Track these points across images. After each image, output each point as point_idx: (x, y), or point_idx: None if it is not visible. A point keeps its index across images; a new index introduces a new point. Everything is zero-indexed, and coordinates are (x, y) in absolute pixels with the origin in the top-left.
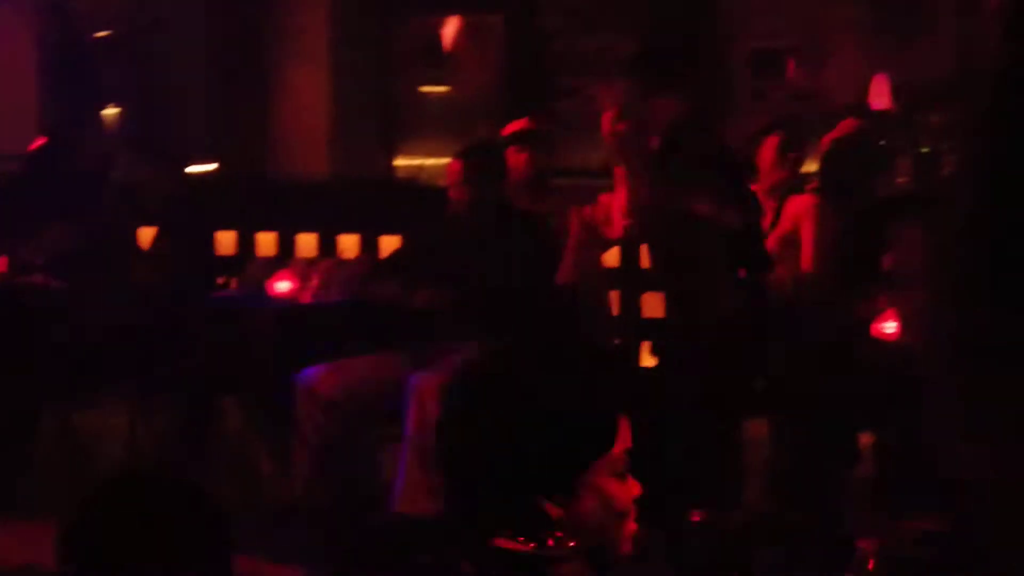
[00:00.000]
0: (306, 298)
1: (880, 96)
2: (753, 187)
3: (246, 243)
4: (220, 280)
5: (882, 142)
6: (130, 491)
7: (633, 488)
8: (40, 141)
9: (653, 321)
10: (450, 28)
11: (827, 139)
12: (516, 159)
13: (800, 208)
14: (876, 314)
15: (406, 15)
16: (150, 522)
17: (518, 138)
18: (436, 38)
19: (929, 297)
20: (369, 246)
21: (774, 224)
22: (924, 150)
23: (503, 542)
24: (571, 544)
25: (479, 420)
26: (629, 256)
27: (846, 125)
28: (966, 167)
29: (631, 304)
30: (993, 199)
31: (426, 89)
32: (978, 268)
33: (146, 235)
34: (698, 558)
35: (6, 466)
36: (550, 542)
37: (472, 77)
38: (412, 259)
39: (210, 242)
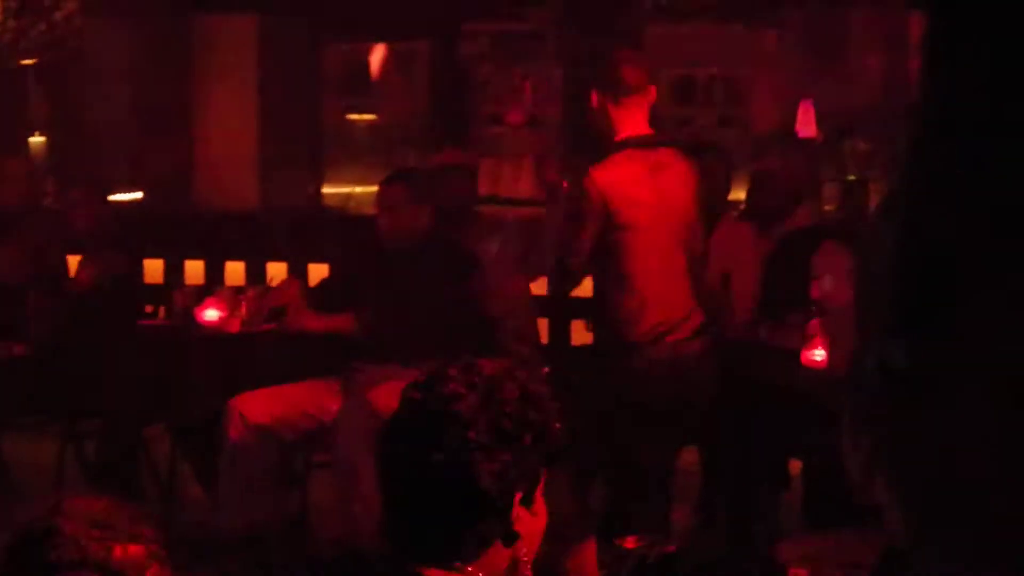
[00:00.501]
0: (234, 326)
1: (806, 124)
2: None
3: (174, 271)
4: (148, 308)
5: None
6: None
7: (545, 510)
8: None
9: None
10: (376, 56)
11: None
12: (443, 188)
13: (728, 235)
14: (805, 341)
15: (333, 42)
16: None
17: (445, 168)
18: (363, 65)
19: (855, 327)
20: (297, 273)
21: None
22: (850, 177)
23: (437, 572)
24: (526, 560)
25: (438, 440)
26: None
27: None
28: (891, 198)
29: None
30: (914, 231)
31: (353, 117)
32: (898, 300)
33: (73, 263)
34: None
35: None
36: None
37: (398, 104)
38: (341, 287)
39: (138, 270)
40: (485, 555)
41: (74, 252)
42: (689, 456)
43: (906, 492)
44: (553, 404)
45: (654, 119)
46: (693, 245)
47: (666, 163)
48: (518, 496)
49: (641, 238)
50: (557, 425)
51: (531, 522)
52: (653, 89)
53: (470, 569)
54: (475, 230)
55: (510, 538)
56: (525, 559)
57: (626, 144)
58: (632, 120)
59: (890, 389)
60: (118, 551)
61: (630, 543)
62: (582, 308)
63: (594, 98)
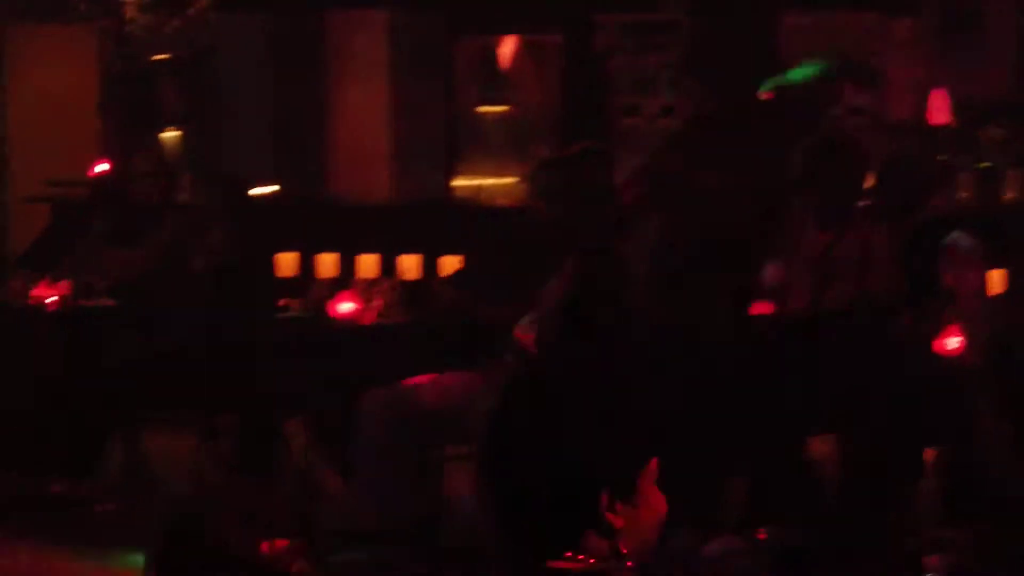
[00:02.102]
0: (369, 318)
1: (939, 111)
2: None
3: (308, 265)
4: (282, 302)
5: (942, 157)
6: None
7: (663, 499)
8: (101, 165)
9: None
10: (508, 48)
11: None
12: (582, 173)
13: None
14: (938, 330)
15: (464, 36)
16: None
17: (584, 152)
18: (494, 58)
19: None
20: (429, 266)
21: (837, 239)
22: (984, 165)
23: (557, 563)
24: (627, 558)
25: (534, 434)
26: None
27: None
28: None
29: None
30: None
31: (484, 109)
32: None
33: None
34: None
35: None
36: (613, 553)
37: (530, 97)
38: (484, 274)
39: (272, 264)
40: (585, 546)
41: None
42: (826, 445)
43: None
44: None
45: None
46: None
47: None
48: (607, 489)
49: None
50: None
51: (631, 514)
52: None
53: (579, 557)
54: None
55: (604, 530)
56: (625, 551)
57: None
58: None
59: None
60: (264, 545)
61: (762, 533)
62: None
63: None
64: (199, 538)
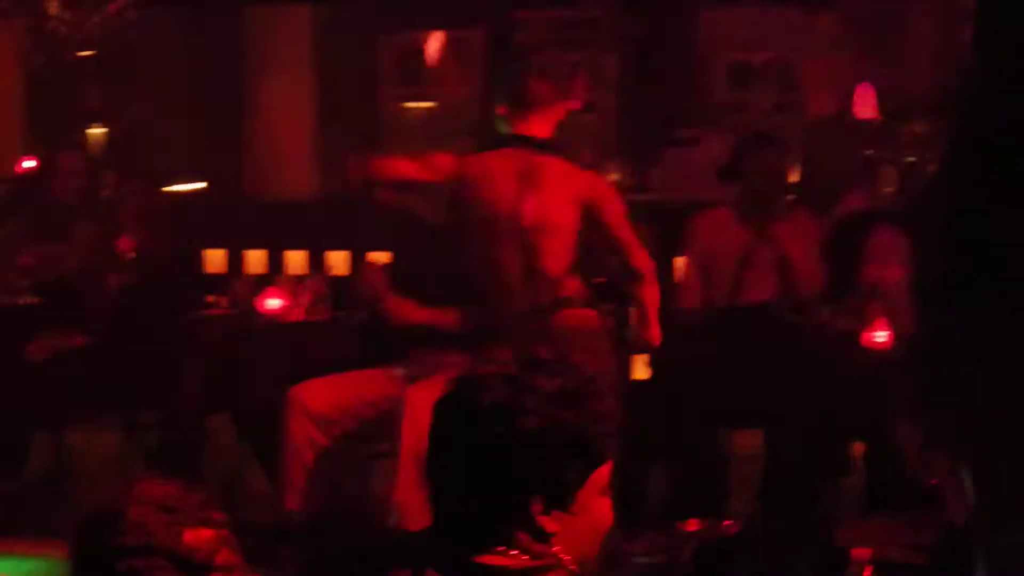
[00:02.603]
0: (297, 315)
1: (865, 106)
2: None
3: (235, 261)
4: (210, 298)
5: (868, 152)
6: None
7: (608, 509)
8: (27, 162)
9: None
10: (433, 44)
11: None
12: None
13: (786, 221)
14: (863, 324)
15: (388, 31)
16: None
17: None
18: (419, 54)
19: (911, 304)
20: (357, 262)
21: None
22: (909, 159)
23: (488, 558)
24: (566, 559)
25: (474, 436)
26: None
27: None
28: (942, 178)
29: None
30: (965, 212)
31: (409, 105)
32: (949, 274)
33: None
34: (692, 568)
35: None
36: (547, 555)
37: (455, 92)
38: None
39: (198, 260)
40: (518, 544)
41: (134, 243)
42: (751, 440)
43: (975, 467)
44: (599, 406)
45: (709, 103)
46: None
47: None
48: (541, 496)
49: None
50: (596, 429)
51: (569, 521)
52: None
53: (513, 552)
54: None
55: (538, 534)
56: (565, 556)
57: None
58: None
59: (949, 364)
60: (188, 535)
61: (691, 525)
62: None
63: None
64: (119, 530)
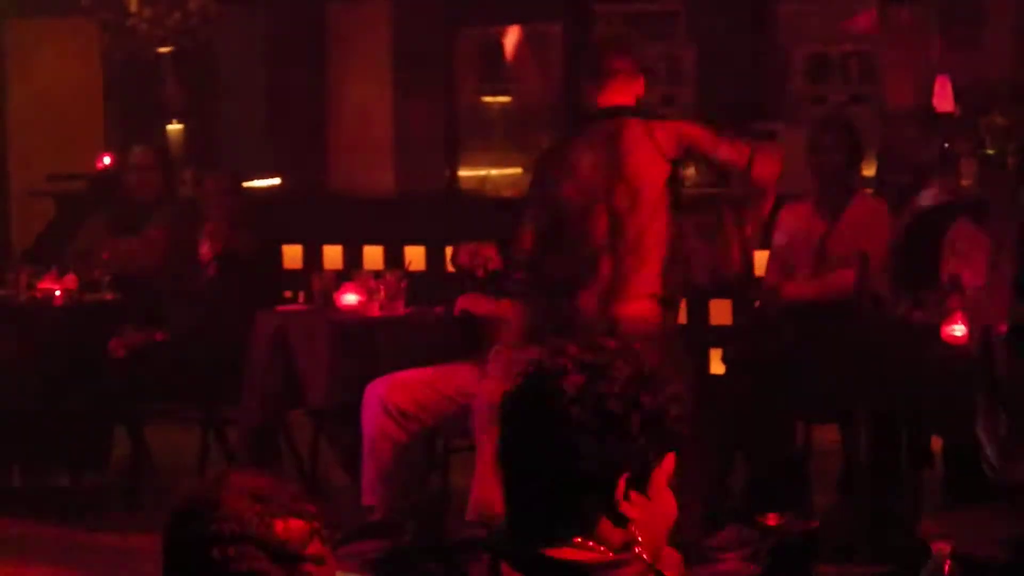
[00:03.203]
0: (373, 310)
1: (943, 99)
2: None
3: (313, 256)
4: (288, 293)
5: (946, 144)
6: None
7: (673, 499)
8: (105, 159)
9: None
10: (510, 38)
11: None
12: None
13: (863, 210)
14: (942, 318)
15: (466, 26)
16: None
17: None
18: (497, 48)
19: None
20: (435, 257)
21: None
22: (988, 152)
23: (566, 551)
24: (639, 549)
25: (557, 422)
26: None
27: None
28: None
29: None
30: None
31: (488, 99)
32: None
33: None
34: (772, 562)
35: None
36: (627, 545)
37: (533, 86)
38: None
39: (277, 256)
40: (597, 534)
41: (214, 239)
42: (830, 434)
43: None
44: (672, 389)
45: (787, 96)
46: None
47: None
48: (624, 477)
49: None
50: (673, 412)
51: (646, 506)
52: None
53: (591, 544)
54: None
55: (618, 519)
56: (641, 541)
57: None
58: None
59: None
60: (279, 525)
61: (772, 520)
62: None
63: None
64: (214, 518)
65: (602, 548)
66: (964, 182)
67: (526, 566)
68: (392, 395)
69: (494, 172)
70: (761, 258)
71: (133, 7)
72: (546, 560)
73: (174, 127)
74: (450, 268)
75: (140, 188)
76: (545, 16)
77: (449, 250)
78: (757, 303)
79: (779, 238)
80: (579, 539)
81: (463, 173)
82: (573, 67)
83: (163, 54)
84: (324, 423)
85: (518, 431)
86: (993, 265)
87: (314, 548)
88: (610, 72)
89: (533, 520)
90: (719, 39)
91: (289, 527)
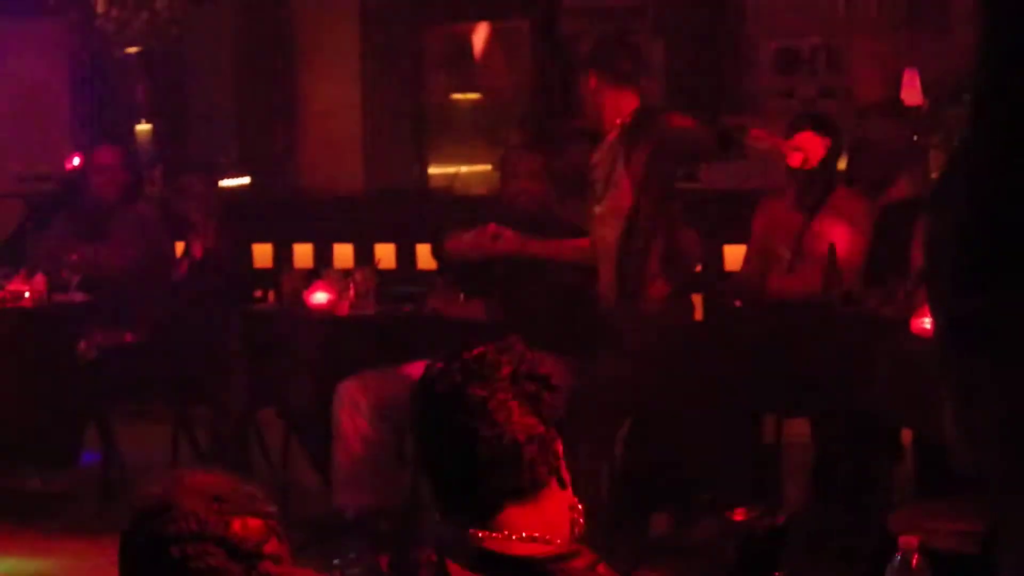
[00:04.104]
0: (343, 308)
1: (912, 92)
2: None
3: (282, 255)
4: (258, 292)
5: (915, 137)
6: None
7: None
8: (75, 159)
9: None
10: (479, 35)
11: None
12: (566, 155)
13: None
14: (914, 310)
15: (434, 24)
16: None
17: (574, 132)
18: (466, 45)
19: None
20: (405, 255)
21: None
22: (956, 144)
23: (504, 547)
24: (579, 516)
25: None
26: None
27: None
28: (956, 158)
29: None
30: (981, 189)
31: (457, 96)
32: (965, 261)
33: (180, 250)
34: (740, 557)
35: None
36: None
37: (501, 83)
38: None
39: (246, 255)
40: (501, 520)
41: (180, 239)
42: (801, 428)
43: (980, 454)
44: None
45: (758, 90)
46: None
47: None
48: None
49: None
50: (547, 396)
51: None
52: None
53: (545, 536)
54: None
55: (561, 480)
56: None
57: None
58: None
59: (956, 348)
60: (236, 524)
61: (739, 515)
62: None
63: (592, 81)
64: (172, 517)
65: (558, 541)
66: (934, 175)
67: (475, 564)
68: (363, 394)
69: (464, 169)
70: (735, 252)
71: (101, 7)
72: (496, 557)
73: (143, 127)
74: (422, 265)
75: (106, 188)
76: (514, 12)
77: (419, 247)
78: (738, 302)
79: (758, 233)
80: (525, 533)
81: (433, 171)
82: (541, 63)
83: (131, 54)
84: (295, 422)
85: (423, 429)
86: None
87: (272, 546)
88: (627, 75)
89: (453, 508)
90: (686, 33)
91: (247, 525)
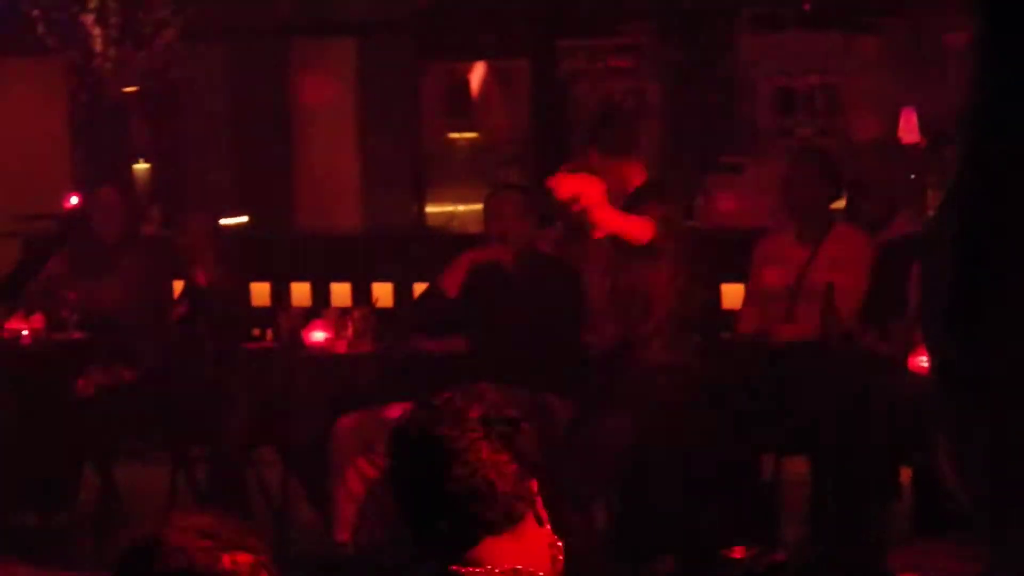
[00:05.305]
0: (341, 347)
1: (910, 131)
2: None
3: (280, 294)
4: (256, 331)
5: (912, 176)
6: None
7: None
8: (73, 199)
9: None
10: (476, 74)
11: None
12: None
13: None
14: (911, 348)
15: (431, 63)
16: None
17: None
18: (463, 85)
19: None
20: (403, 294)
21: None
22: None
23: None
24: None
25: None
26: None
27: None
28: (948, 199)
29: None
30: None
31: (454, 136)
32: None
33: (179, 288)
34: None
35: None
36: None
37: (499, 122)
38: (447, 307)
39: (244, 294)
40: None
41: (179, 278)
42: (798, 466)
43: (974, 492)
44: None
45: (756, 129)
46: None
47: None
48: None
49: None
50: (519, 441)
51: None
52: None
53: (488, 567)
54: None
55: (539, 517)
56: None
57: None
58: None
59: (949, 388)
60: (226, 559)
61: (737, 553)
62: None
63: (593, 157)
64: (161, 554)
65: (540, 574)
66: (931, 213)
67: None
68: (361, 431)
69: (461, 208)
70: (733, 291)
71: (99, 47)
72: None
73: (141, 166)
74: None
75: (104, 227)
76: (511, 52)
77: (417, 286)
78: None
79: (757, 277)
80: (508, 566)
81: (430, 209)
82: (538, 102)
83: (129, 93)
84: (293, 460)
85: (396, 471)
86: None
87: None
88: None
89: (430, 546)
90: (684, 73)
91: (236, 560)
